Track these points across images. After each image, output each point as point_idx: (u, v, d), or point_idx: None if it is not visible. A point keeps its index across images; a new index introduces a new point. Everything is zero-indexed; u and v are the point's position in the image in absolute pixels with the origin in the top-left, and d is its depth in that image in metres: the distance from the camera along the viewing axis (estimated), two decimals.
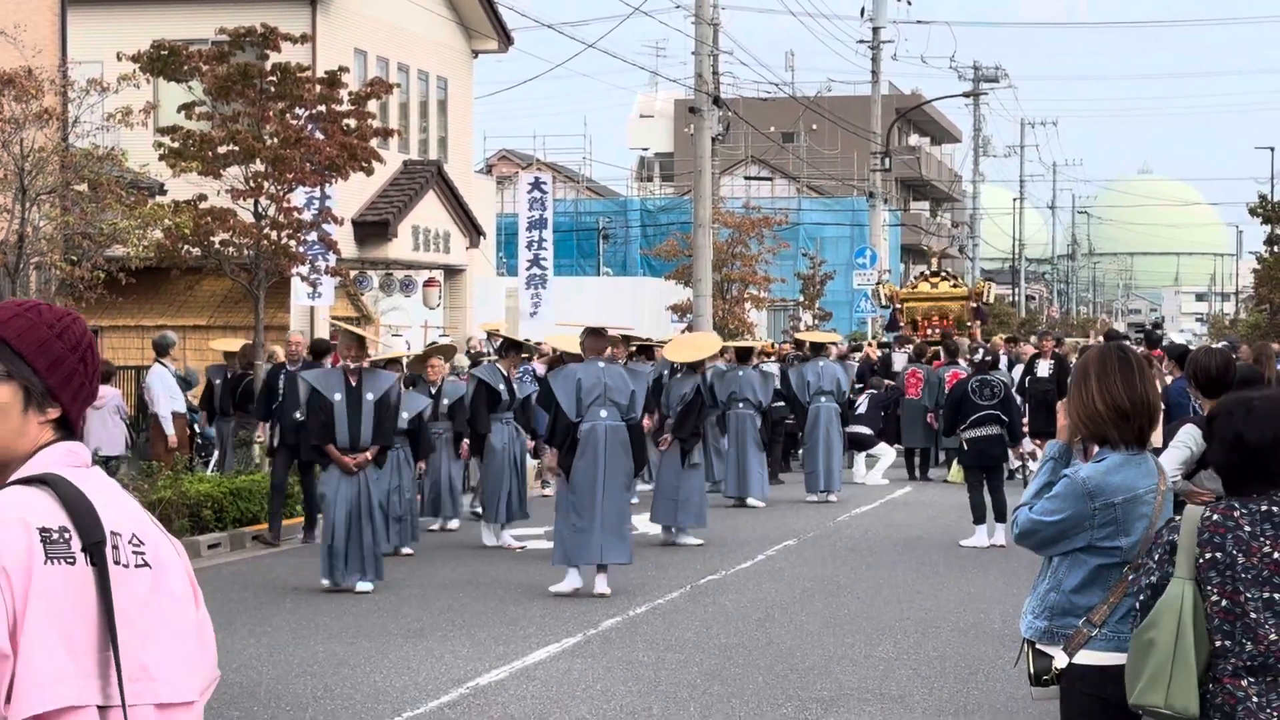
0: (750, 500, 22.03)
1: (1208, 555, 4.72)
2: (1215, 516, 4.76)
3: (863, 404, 26.18)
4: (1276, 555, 4.68)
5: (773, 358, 27.58)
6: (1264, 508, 4.74)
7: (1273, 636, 4.65)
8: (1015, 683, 7.15)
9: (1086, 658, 5.29)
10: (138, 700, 2.95)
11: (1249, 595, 4.67)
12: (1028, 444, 21.97)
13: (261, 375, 19.76)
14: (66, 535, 2.94)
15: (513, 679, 10.88)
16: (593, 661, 11.46)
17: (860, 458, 26.38)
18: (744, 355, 23.32)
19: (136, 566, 3.01)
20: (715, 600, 14.22)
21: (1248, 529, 4.71)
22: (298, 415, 16.31)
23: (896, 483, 25.69)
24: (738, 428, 22.06)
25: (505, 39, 36.29)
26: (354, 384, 14.82)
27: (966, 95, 69.56)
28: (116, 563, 2.97)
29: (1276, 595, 4.66)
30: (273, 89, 21.04)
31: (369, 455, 14.79)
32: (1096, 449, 5.64)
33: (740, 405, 22.26)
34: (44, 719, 2.90)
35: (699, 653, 11.79)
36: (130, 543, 3.02)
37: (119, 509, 3.06)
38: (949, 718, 9.86)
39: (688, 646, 12.04)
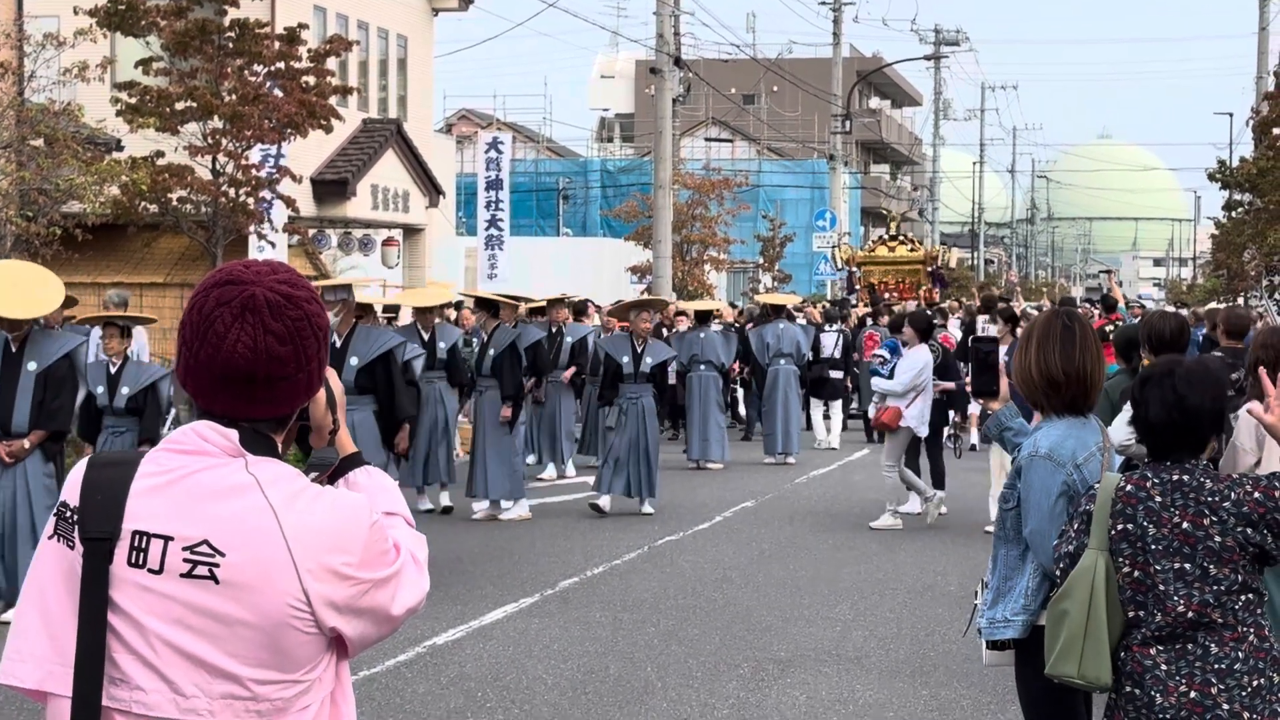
0: (709, 463, 21.99)
1: (1119, 527, 4.70)
2: (1129, 487, 4.73)
3: (835, 348, 25.64)
4: (1186, 525, 4.64)
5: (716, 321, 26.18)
6: (1175, 477, 4.71)
7: (1180, 608, 4.63)
8: (970, 644, 7.20)
9: (1044, 619, 5.31)
10: (115, 705, 2.85)
11: (1159, 566, 4.65)
12: (974, 406, 21.79)
13: None
14: (73, 520, 2.89)
15: (469, 638, 10.88)
16: (549, 621, 11.46)
17: (818, 423, 25.95)
18: (704, 317, 23.28)
19: (184, 576, 2.83)
20: (672, 561, 14.24)
21: (1159, 499, 4.68)
22: None
23: (854, 445, 25.73)
24: (700, 390, 22.03)
25: None
26: (14, 350, 11.36)
27: (927, 58, 69.62)
28: (134, 564, 2.84)
29: (1186, 565, 4.63)
30: (231, 45, 20.89)
31: (25, 443, 11.22)
32: (1039, 416, 5.68)
33: (702, 368, 22.22)
34: (20, 693, 2.89)
35: (656, 613, 11.81)
36: (188, 549, 2.83)
37: (188, 509, 2.85)
38: (905, 678, 9.91)
39: (645, 607, 12.05)
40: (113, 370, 13.01)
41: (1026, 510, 5.45)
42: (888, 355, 16.76)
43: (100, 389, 12.90)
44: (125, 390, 12.96)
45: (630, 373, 17.39)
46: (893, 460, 16.24)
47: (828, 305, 31.75)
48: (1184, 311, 27.73)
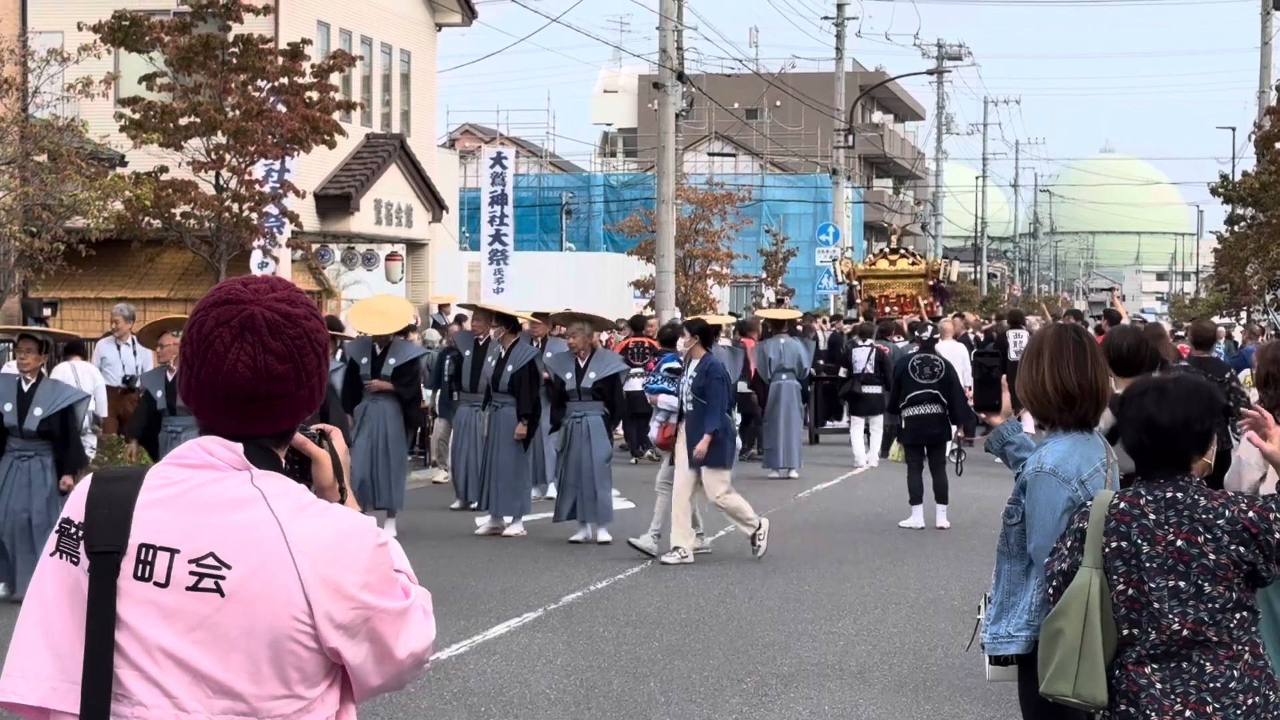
0: None
1: (1114, 544, 4.69)
2: (1122, 504, 4.72)
3: (868, 363, 24.93)
4: (1180, 543, 4.63)
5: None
6: (1169, 494, 4.70)
7: (1176, 626, 4.62)
8: (974, 659, 7.22)
9: None
10: None
11: (1154, 584, 4.64)
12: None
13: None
14: (79, 535, 2.88)
15: (473, 653, 10.88)
16: (553, 636, 11.47)
17: (858, 440, 25.27)
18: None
19: (190, 589, 2.83)
20: (676, 576, 14.23)
21: (1153, 517, 4.67)
22: None
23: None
24: None
25: (469, 12, 36.15)
26: None
27: (930, 73, 69.61)
28: (140, 577, 2.83)
29: (1181, 583, 4.62)
30: (235, 60, 20.95)
31: None
32: (1044, 430, 5.67)
33: None
34: (20, 711, 2.89)
35: (659, 628, 11.81)
36: (194, 562, 2.83)
37: (195, 522, 2.85)
38: (908, 693, 9.91)
39: (648, 622, 12.05)
40: (25, 388, 11.77)
41: (1031, 526, 5.45)
42: (677, 367, 16.03)
43: (9, 407, 11.70)
44: (38, 411, 11.67)
45: (573, 389, 16.13)
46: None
47: (832, 321, 31.73)
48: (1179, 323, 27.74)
